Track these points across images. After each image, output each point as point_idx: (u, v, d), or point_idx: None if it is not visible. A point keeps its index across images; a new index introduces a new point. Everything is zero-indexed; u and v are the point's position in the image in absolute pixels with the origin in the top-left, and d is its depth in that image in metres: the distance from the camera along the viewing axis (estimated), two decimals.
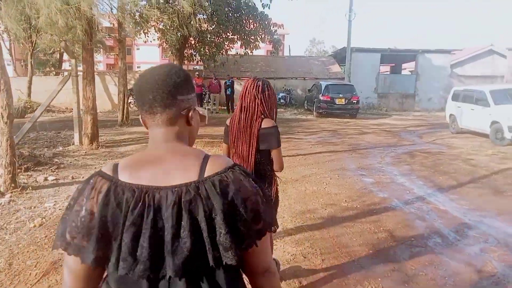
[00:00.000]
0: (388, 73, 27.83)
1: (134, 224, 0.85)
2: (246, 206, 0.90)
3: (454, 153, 8.69)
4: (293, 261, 3.37)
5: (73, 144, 8.64)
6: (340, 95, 15.86)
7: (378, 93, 21.82)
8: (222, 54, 18.27)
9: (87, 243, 0.88)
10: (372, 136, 11.34)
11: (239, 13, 17.00)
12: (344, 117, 16.30)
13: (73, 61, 8.48)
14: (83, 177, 6.04)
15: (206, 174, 0.91)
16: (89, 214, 0.88)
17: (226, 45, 18.11)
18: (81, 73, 8.52)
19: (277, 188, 2.53)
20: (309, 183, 5.95)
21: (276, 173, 2.48)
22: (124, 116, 12.87)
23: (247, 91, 2.35)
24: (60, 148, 8.37)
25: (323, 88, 16.23)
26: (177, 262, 0.85)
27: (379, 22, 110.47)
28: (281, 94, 20.55)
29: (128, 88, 15.98)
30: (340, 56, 24.44)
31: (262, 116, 2.32)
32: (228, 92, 17.78)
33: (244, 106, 2.34)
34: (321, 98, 15.98)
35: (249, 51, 18.30)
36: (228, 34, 17.47)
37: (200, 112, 1.06)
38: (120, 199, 0.88)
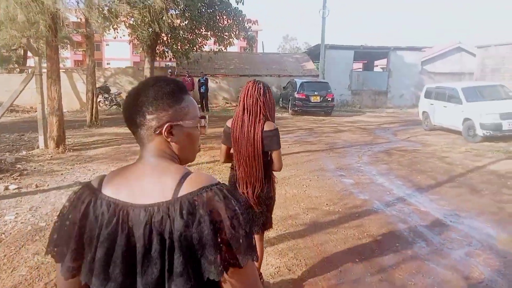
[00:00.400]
0: (361, 70, 28.20)
1: (108, 240, 0.85)
2: (215, 230, 0.83)
3: (429, 150, 8.78)
4: (277, 274, 3.19)
5: (38, 147, 8.11)
6: (315, 93, 15.83)
7: (352, 90, 22.01)
8: (196, 50, 17.88)
9: (66, 251, 0.90)
10: (348, 134, 11.34)
11: (213, 9, 16.65)
12: (319, 115, 16.31)
13: (36, 58, 7.94)
14: (48, 185, 5.63)
15: (180, 194, 0.86)
16: (72, 224, 0.90)
17: (199, 42, 17.72)
18: (45, 71, 7.99)
19: (274, 187, 2.64)
20: (288, 185, 5.80)
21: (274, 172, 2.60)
22: (93, 116, 12.30)
23: (249, 93, 2.40)
24: (24, 153, 7.84)
25: (298, 86, 16.15)
26: (147, 283, 0.83)
27: (353, 18, 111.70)
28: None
29: (97, 86, 15.35)
30: (313, 53, 24.47)
31: (264, 118, 2.39)
32: (202, 90, 17.45)
33: (247, 108, 2.40)
34: (296, 95, 15.90)
35: (223, 48, 17.98)
36: (201, 30, 17.09)
37: (187, 125, 0.99)
38: (98, 212, 0.88)
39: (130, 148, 8.51)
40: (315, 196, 5.33)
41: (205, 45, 18.68)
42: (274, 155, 2.44)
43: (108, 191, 0.92)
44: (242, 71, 22.00)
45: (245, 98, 2.41)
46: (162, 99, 0.95)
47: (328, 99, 15.98)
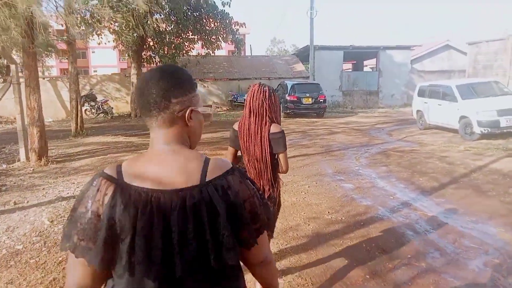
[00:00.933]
0: (350, 70, 28.10)
1: (145, 228, 0.87)
2: (244, 207, 0.95)
3: (427, 150, 8.55)
4: None
5: (19, 160, 7.67)
6: (307, 95, 15.57)
7: (343, 91, 21.84)
8: (183, 55, 17.51)
9: (93, 245, 0.89)
10: (342, 136, 11.08)
11: (199, 12, 16.34)
12: (311, 117, 16.05)
13: (13, 66, 7.51)
14: (27, 202, 5.22)
15: (207, 178, 0.93)
16: (96, 216, 0.90)
17: (186, 46, 17.37)
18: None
19: (279, 190, 2.63)
20: (286, 193, 5.47)
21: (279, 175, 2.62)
22: (78, 126, 11.83)
23: (255, 97, 2.40)
24: (4, 166, 7.39)
25: (289, 88, 15.87)
26: (184, 262, 0.89)
27: (341, 18, 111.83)
28: (246, 96, 20.08)
29: (83, 94, 14.87)
30: (303, 55, 24.30)
31: (269, 120, 2.41)
32: None
33: (253, 111, 2.41)
34: (288, 98, 15.61)
35: (211, 52, 17.66)
36: (188, 34, 16.75)
37: (201, 111, 1.06)
38: (127, 201, 0.89)
39: (117, 158, 8.10)
40: (315, 204, 5.01)
41: (193, 49, 18.33)
42: (281, 157, 2.46)
43: (131, 179, 0.92)
44: (232, 74, 21.70)
45: (251, 101, 2.42)
46: (184, 84, 1.01)
47: (320, 100, 15.74)
